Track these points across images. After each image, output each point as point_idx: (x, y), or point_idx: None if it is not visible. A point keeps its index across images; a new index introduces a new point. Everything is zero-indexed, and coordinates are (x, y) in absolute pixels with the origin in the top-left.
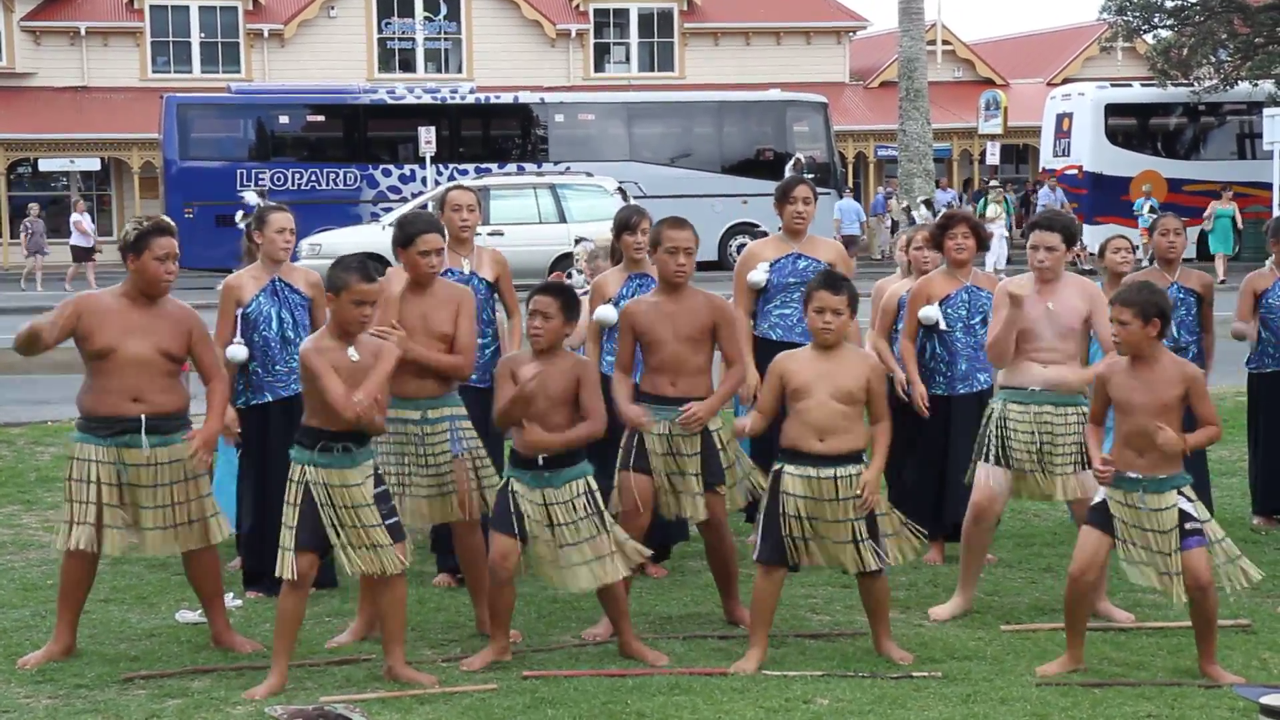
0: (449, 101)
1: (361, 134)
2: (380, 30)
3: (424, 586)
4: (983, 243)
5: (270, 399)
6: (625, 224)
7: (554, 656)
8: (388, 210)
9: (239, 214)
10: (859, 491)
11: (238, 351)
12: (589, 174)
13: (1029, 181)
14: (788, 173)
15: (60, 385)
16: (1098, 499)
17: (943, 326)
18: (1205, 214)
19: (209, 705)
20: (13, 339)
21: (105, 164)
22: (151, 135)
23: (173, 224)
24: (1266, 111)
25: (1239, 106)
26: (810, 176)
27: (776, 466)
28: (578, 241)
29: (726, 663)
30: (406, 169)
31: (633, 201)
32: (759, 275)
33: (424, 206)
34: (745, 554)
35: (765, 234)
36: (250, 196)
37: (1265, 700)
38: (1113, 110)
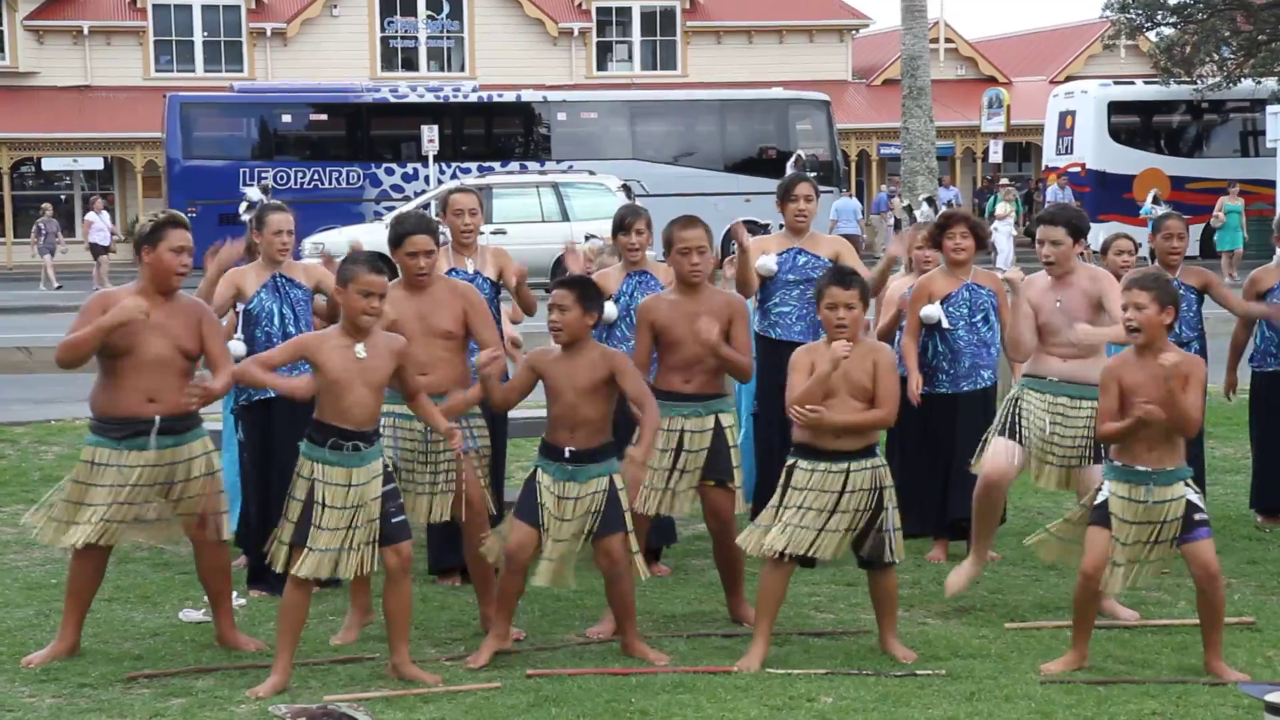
0: (452, 100)
1: (364, 133)
2: (383, 29)
3: (427, 585)
4: (982, 242)
5: (272, 395)
6: (620, 224)
7: (558, 655)
8: (390, 209)
9: (242, 205)
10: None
11: (236, 347)
12: (592, 172)
13: (1032, 180)
14: (789, 170)
15: (64, 384)
16: (1100, 498)
17: (945, 325)
18: (1215, 209)
19: (213, 704)
20: (58, 352)
21: (108, 163)
22: (155, 134)
23: (185, 218)
24: (1269, 109)
25: (1242, 104)
26: (813, 175)
27: (790, 461)
28: (588, 238)
29: (730, 661)
30: (409, 168)
31: (636, 200)
32: (768, 261)
33: (426, 206)
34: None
35: (768, 232)
36: (253, 193)
37: (1270, 698)
38: (1116, 108)
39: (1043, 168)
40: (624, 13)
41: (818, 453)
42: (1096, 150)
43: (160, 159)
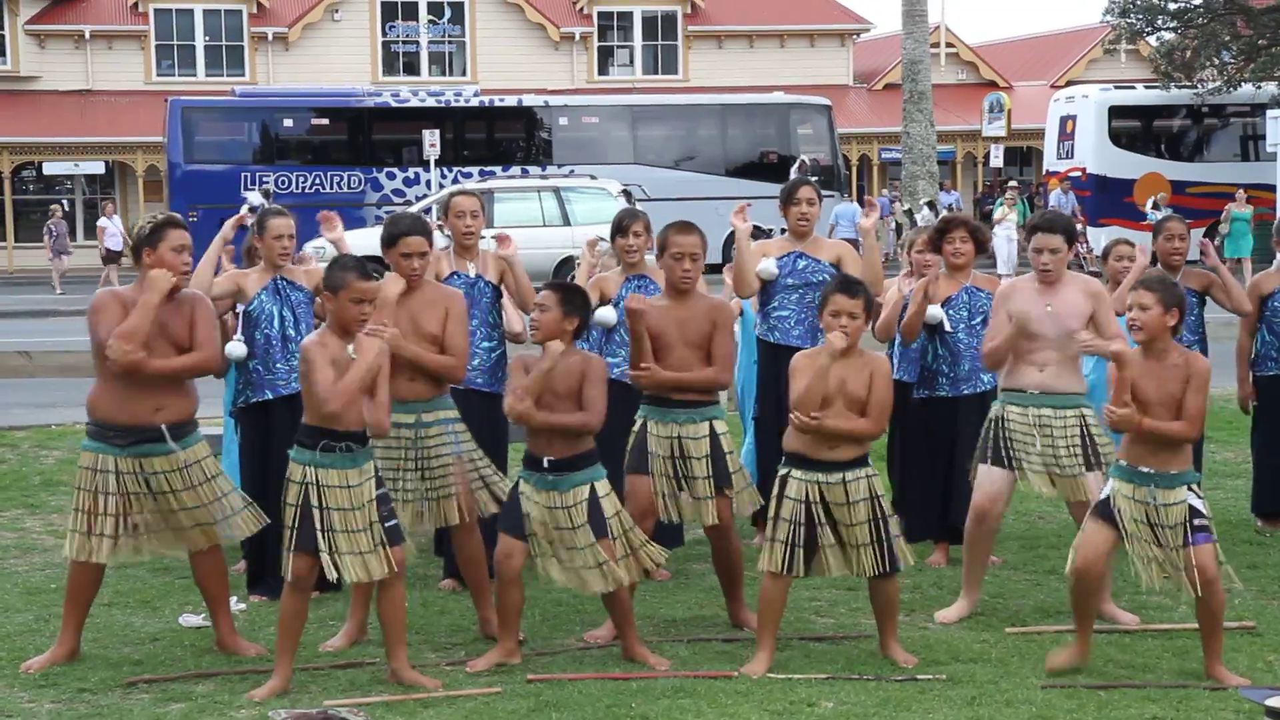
0: (453, 104)
1: (366, 137)
2: (384, 33)
3: (427, 590)
4: (981, 246)
5: (270, 396)
6: (618, 227)
7: (558, 660)
8: (391, 214)
9: (244, 208)
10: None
11: (236, 349)
12: (593, 177)
13: (1033, 184)
14: (793, 175)
15: (64, 388)
16: (1104, 494)
17: (947, 327)
18: (1221, 218)
19: (212, 709)
20: (119, 345)
21: (110, 167)
22: (156, 138)
23: (181, 218)
24: (1270, 114)
25: (1242, 108)
26: (815, 179)
27: (783, 472)
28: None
29: (731, 666)
30: (411, 172)
31: (637, 205)
32: (769, 264)
33: (427, 211)
34: (751, 556)
35: (770, 236)
36: (254, 196)
37: (1270, 702)
38: (1116, 112)
39: (1043, 172)
40: (625, 17)
41: (810, 463)
42: (1097, 155)
43: (161, 163)
